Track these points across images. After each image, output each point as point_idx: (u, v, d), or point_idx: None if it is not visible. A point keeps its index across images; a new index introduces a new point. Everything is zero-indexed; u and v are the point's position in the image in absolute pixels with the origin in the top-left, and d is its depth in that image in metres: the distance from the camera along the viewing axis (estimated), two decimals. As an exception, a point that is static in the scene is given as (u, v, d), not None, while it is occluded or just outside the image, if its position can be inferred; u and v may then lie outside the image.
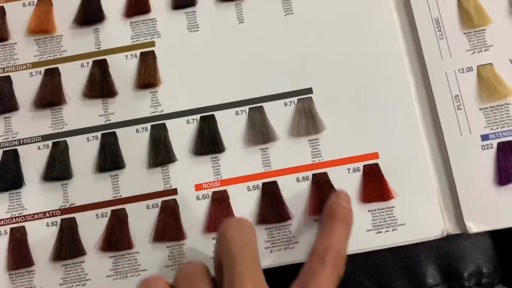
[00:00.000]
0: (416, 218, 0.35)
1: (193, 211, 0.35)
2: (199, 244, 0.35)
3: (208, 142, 0.36)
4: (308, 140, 0.36)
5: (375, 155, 0.36)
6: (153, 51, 0.38)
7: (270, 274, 0.30)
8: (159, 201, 0.36)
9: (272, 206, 0.35)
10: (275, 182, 0.36)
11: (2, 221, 0.36)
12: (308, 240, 0.35)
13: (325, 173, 0.36)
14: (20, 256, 0.35)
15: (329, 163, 0.36)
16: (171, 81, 0.37)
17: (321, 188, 0.35)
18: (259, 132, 0.36)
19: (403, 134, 0.36)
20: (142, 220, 0.35)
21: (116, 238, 0.35)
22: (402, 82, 0.37)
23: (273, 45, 0.37)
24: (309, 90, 0.37)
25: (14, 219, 0.36)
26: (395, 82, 0.37)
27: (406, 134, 0.36)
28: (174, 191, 0.36)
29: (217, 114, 0.37)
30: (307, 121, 0.36)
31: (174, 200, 0.36)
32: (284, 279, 0.30)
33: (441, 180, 0.35)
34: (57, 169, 0.36)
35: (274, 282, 0.29)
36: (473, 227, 0.34)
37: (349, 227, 0.32)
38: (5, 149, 0.37)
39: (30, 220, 0.36)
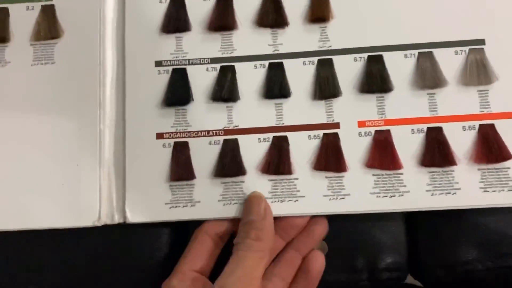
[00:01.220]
0: None
1: (355, 147, 0.36)
2: (358, 178, 0.35)
3: (376, 81, 0.36)
4: (478, 90, 0.36)
5: (547, 113, 0.35)
6: (326, -13, 0.38)
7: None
8: (320, 132, 0.36)
9: (438, 151, 0.35)
10: (440, 128, 0.35)
11: (166, 134, 0.37)
12: (471, 186, 0.34)
13: (492, 125, 0.35)
14: (182, 169, 0.36)
15: (498, 115, 0.35)
16: (342, 17, 0.37)
17: (488, 138, 0.35)
18: (429, 76, 0.36)
19: None
20: (303, 149, 0.36)
21: (277, 163, 0.36)
22: None
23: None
24: (482, 41, 0.36)
25: (178, 133, 0.37)
26: None
27: None
28: (336, 125, 0.36)
29: (386, 55, 0.37)
30: (478, 71, 0.36)
31: (336, 134, 0.36)
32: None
33: None
34: (225, 91, 0.37)
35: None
36: None
37: (256, 251, 0.32)
38: (175, 67, 0.38)
39: (194, 136, 0.37)
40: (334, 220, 0.35)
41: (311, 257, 0.34)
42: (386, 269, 0.36)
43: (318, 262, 0.34)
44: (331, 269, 0.36)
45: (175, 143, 0.37)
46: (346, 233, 0.36)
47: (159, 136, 0.37)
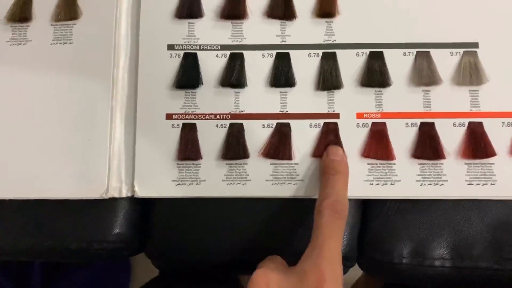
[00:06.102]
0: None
1: (352, 136, 0.38)
2: (354, 166, 0.38)
3: (375, 75, 0.39)
4: (469, 90, 0.38)
5: (533, 114, 0.38)
6: (333, -15, 0.40)
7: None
8: (321, 122, 0.38)
9: (429, 144, 0.38)
10: (433, 123, 0.38)
11: (176, 115, 0.39)
12: (457, 179, 0.37)
13: (480, 123, 0.38)
14: (190, 149, 0.38)
15: (486, 114, 0.38)
16: (348, 14, 0.40)
17: (476, 135, 0.38)
18: (425, 74, 0.38)
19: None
20: (304, 136, 0.38)
21: (279, 148, 0.38)
22: None
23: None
24: (476, 45, 0.39)
25: (187, 115, 0.39)
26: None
27: None
28: (336, 115, 0.39)
29: (386, 52, 0.39)
30: (470, 72, 0.38)
31: (336, 123, 0.38)
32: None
33: None
34: (233, 77, 0.39)
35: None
36: None
37: (341, 175, 0.35)
38: (186, 51, 0.40)
39: (202, 119, 0.39)
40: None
41: None
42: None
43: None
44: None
45: (184, 124, 0.39)
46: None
47: (169, 116, 0.39)
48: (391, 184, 0.37)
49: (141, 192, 0.38)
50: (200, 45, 0.40)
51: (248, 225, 0.39)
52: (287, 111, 0.39)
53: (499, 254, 0.38)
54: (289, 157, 0.38)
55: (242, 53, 0.39)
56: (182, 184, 0.38)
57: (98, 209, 0.39)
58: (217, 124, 0.39)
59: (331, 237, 0.32)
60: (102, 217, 0.39)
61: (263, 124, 0.39)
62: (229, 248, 0.39)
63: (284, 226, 0.39)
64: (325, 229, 0.32)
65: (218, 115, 0.39)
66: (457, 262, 0.38)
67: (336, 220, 0.32)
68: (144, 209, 0.41)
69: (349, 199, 0.38)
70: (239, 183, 0.38)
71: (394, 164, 0.38)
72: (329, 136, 0.38)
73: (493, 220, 0.38)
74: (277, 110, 0.39)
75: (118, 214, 0.40)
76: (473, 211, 0.38)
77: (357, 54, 0.39)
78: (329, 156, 0.37)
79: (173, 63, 0.39)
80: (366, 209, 0.40)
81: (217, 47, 0.40)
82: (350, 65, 0.39)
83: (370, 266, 0.40)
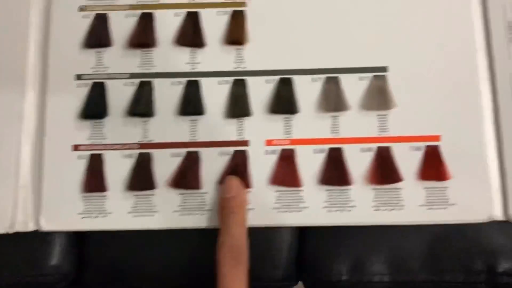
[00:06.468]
0: (466, 200, 0.37)
1: (261, 164, 0.38)
2: (263, 194, 0.37)
3: (284, 102, 0.38)
4: (377, 115, 0.38)
5: (437, 138, 0.38)
6: (243, 11, 0.40)
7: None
8: (231, 149, 0.38)
9: (336, 170, 0.37)
10: (340, 149, 0.38)
11: (83, 146, 0.38)
12: (364, 205, 0.37)
13: (388, 148, 0.38)
14: (95, 181, 0.38)
15: (394, 139, 0.38)
16: (257, 41, 0.40)
17: (384, 160, 0.38)
18: (333, 100, 0.38)
19: (466, 123, 0.38)
20: (213, 164, 0.38)
21: (187, 177, 0.38)
22: (472, 75, 0.39)
23: (357, 20, 0.40)
24: (384, 69, 0.39)
25: (94, 146, 0.38)
26: (466, 75, 0.39)
27: (469, 124, 0.38)
28: (245, 143, 0.38)
29: (295, 78, 0.39)
30: (379, 97, 0.39)
31: (244, 151, 0.38)
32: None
33: (494, 170, 0.38)
34: (142, 106, 0.38)
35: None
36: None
37: (235, 215, 0.35)
38: (95, 80, 0.39)
39: (109, 149, 0.38)
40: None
41: None
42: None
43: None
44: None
45: (91, 155, 0.38)
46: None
47: (75, 148, 0.38)
48: (298, 211, 0.37)
49: (47, 225, 0.37)
50: (108, 74, 0.39)
51: (176, 252, 0.40)
52: (196, 140, 0.38)
53: (436, 266, 0.38)
54: (196, 186, 0.37)
55: (150, 81, 0.39)
56: (88, 217, 0.37)
57: (31, 241, 0.39)
58: (125, 155, 0.38)
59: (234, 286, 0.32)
60: (35, 250, 0.39)
61: (172, 153, 0.38)
62: (161, 275, 0.39)
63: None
64: (226, 280, 0.33)
65: (126, 145, 0.38)
66: (395, 276, 0.38)
67: (236, 267, 0.33)
68: (79, 239, 0.40)
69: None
70: (147, 215, 0.37)
71: (301, 191, 0.37)
72: (238, 164, 0.38)
73: (429, 234, 0.39)
74: (186, 139, 0.38)
75: (52, 245, 0.39)
76: (409, 226, 0.38)
77: (267, 81, 0.39)
78: (223, 193, 0.36)
79: (81, 93, 0.39)
80: (303, 228, 0.40)
81: (126, 75, 0.39)
82: (260, 92, 0.39)
83: (311, 284, 0.40)
